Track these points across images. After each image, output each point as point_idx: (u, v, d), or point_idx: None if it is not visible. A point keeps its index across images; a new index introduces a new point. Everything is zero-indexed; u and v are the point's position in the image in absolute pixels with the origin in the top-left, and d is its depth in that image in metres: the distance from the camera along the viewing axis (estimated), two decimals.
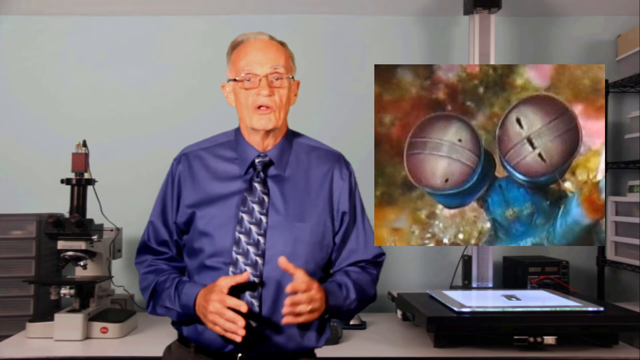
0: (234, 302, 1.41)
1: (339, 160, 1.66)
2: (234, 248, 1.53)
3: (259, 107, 1.54)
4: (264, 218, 1.54)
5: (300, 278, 1.43)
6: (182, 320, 1.57)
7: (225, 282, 1.44)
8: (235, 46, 1.61)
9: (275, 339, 1.52)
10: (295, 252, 1.53)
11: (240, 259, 1.52)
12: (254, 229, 1.53)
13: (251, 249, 1.52)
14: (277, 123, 1.56)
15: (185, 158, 1.65)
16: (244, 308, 1.40)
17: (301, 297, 1.42)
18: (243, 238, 1.53)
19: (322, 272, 1.61)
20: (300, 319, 1.43)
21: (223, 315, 1.41)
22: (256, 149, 1.60)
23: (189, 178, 1.62)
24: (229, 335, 1.42)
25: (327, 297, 1.50)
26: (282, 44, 1.62)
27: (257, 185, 1.57)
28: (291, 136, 1.66)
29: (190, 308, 1.51)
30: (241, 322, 1.39)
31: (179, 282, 1.57)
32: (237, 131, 1.65)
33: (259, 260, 1.52)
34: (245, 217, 1.54)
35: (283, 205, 1.56)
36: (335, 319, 1.61)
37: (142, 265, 1.66)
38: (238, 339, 1.40)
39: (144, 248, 1.68)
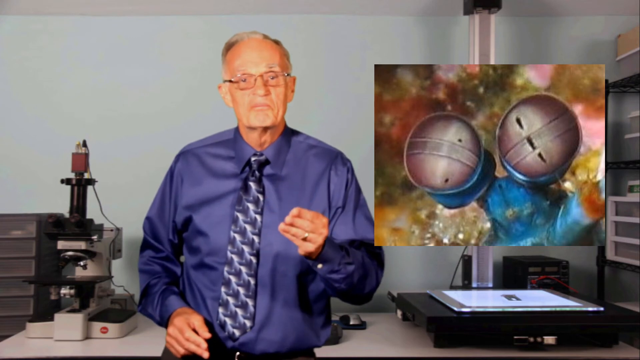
0: (198, 324, 1.44)
1: (336, 157, 1.65)
2: (229, 247, 1.53)
3: (256, 106, 1.54)
4: (258, 217, 1.54)
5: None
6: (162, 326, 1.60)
7: (198, 322, 1.45)
8: (229, 47, 1.60)
9: (272, 338, 1.52)
10: (289, 252, 1.52)
11: (235, 258, 1.52)
12: (248, 228, 1.53)
13: (246, 249, 1.52)
14: (275, 120, 1.56)
15: (184, 156, 1.66)
16: (203, 345, 1.41)
17: (303, 223, 1.33)
18: (238, 237, 1.53)
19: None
20: (295, 240, 1.35)
21: (181, 340, 1.43)
22: (253, 148, 1.60)
23: (187, 176, 1.62)
24: (192, 349, 1.42)
25: (326, 243, 1.39)
26: (277, 42, 1.62)
27: (252, 184, 1.57)
28: (289, 134, 1.66)
29: (165, 320, 1.55)
30: (203, 344, 1.41)
31: (165, 291, 1.59)
32: (236, 130, 1.65)
33: (253, 260, 1.52)
34: (240, 216, 1.54)
35: (278, 204, 1.56)
36: (329, 281, 1.45)
37: (140, 262, 1.69)
38: (205, 355, 1.41)
39: (144, 244, 1.70)
